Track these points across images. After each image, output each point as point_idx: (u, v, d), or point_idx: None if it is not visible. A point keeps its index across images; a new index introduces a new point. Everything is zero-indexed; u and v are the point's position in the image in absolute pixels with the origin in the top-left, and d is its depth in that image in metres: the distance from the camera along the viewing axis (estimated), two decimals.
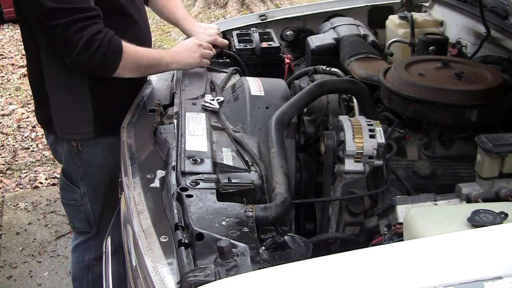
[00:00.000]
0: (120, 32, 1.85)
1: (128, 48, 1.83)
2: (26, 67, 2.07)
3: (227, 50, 2.36)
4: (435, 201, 1.43)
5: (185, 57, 1.99)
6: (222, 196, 1.35)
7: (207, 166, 1.43)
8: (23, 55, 6.99)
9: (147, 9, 2.25)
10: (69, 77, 1.90)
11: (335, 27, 2.53)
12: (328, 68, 2.14)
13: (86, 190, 2.05)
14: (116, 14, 1.91)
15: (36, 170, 4.19)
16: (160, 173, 1.53)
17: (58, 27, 1.70)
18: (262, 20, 2.79)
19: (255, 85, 1.84)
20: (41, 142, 4.56)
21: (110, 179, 2.04)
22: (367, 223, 1.63)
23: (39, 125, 2.14)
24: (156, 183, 1.50)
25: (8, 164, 4.30)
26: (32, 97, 2.09)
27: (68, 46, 1.72)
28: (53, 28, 1.70)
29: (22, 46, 2.04)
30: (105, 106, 1.97)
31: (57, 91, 1.93)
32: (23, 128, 4.91)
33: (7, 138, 4.72)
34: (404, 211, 1.40)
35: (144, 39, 2.05)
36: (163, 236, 1.25)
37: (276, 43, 2.44)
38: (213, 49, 2.14)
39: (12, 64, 6.61)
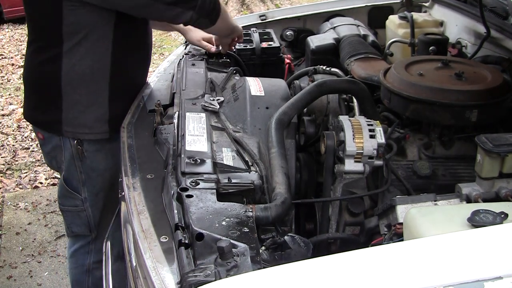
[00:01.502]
0: (140, 33, 1.92)
1: None
2: (27, 71, 2.00)
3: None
4: (435, 201, 1.43)
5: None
6: (222, 196, 1.35)
7: (207, 166, 1.43)
8: (23, 55, 7.00)
9: None
10: (91, 74, 1.88)
11: (335, 27, 2.53)
12: (328, 68, 2.14)
13: (88, 195, 2.03)
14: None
15: (36, 170, 4.19)
16: (160, 173, 1.53)
17: None
18: (262, 20, 2.79)
19: (255, 85, 1.84)
20: None
21: (111, 183, 2.03)
22: (367, 223, 1.63)
23: (39, 128, 2.04)
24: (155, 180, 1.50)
25: (8, 164, 4.31)
26: (34, 101, 2.00)
27: None
28: None
29: (22, 46, 2.00)
30: (121, 105, 1.96)
31: (73, 89, 1.89)
32: (23, 128, 4.92)
33: (7, 138, 4.73)
34: (404, 211, 1.40)
35: (151, 43, 2.12)
36: (163, 236, 1.25)
37: (276, 43, 2.44)
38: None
39: (12, 64, 6.62)
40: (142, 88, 2.11)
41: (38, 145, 4.55)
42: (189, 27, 2.23)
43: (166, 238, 1.24)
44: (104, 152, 2.00)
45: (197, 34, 2.27)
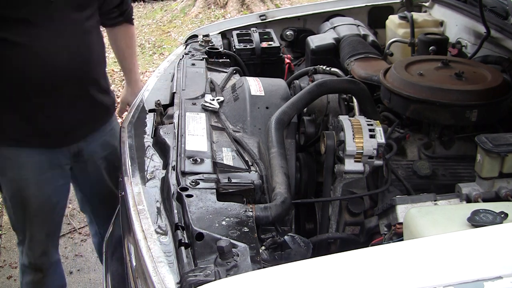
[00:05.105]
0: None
1: None
2: None
3: (227, 50, 2.37)
4: (435, 201, 1.43)
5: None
6: (222, 196, 1.35)
7: (207, 166, 1.43)
8: None
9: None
10: None
11: (335, 27, 2.54)
12: (328, 68, 2.15)
13: (5, 195, 2.06)
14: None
15: None
16: (160, 173, 1.53)
17: None
18: (262, 20, 2.79)
19: (255, 85, 1.84)
20: None
21: (21, 196, 2.00)
22: (367, 223, 1.63)
23: None
24: (155, 180, 1.50)
25: None
26: None
27: None
28: None
29: None
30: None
31: None
32: None
33: None
34: (404, 211, 1.40)
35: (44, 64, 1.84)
36: (163, 236, 1.25)
37: (276, 43, 2.44)
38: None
39: None
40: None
41: None
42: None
43: (166, 238, 1.24)
44: (13, 163, 1.95)
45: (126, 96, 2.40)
